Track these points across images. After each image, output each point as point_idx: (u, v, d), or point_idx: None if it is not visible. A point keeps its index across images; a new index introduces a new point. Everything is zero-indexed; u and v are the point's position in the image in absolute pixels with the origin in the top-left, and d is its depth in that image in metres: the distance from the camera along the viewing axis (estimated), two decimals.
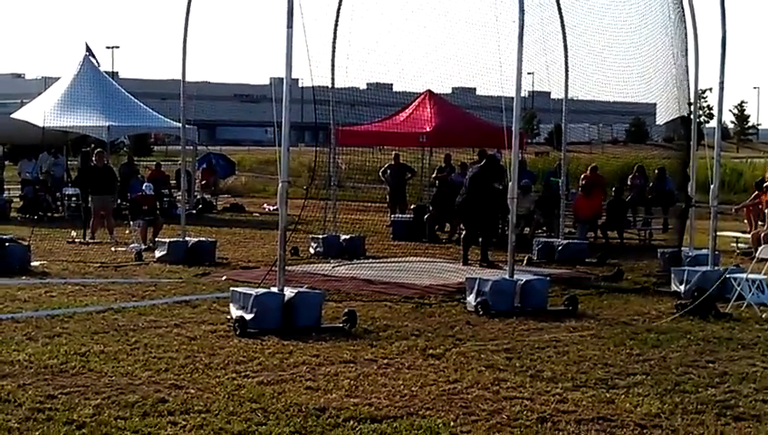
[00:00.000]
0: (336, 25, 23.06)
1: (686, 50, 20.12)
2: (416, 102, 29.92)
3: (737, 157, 74.70)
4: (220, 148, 62.72)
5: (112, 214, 26.19)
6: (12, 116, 35.09)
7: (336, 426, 9.32)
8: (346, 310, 14.29)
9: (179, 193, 27.18)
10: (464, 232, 22.13)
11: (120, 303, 15.76)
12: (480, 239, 21.55)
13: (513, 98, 16.27)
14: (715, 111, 20.45)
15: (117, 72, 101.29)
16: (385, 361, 11.99)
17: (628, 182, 30.98)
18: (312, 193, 22.51)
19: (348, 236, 23.52)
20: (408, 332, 13.81)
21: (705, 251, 19.30)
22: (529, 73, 23.63)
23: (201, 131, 40.44)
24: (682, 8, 20.10)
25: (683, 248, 20.78)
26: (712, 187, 18.37)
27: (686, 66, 20.15)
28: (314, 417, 9.55)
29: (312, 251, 22.94)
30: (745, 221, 27.96)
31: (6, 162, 42.43)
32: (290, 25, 13.87)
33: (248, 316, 13.52)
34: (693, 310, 15.43)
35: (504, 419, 9.64)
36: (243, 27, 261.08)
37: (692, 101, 21.16)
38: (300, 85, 26.68)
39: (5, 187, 38.49)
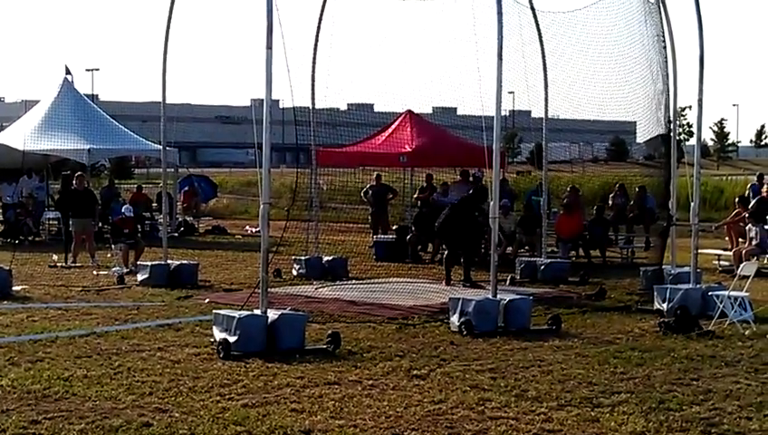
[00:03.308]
0: (316, 46, 23.11)
1: (666, 67, 20.22)
2: (396, 122, 29.96)
3: (717, 174, 74.93)
4: (201, 170, 62.62)
5: (93, 237, 26.10)
6: None
7: None
8: (330, 332, 14.27)
9: (161, 216, 27.12)
10: (446, 252, 22.17)
11: (103, 327, 15.71)
12: (462, 259, 21.58)
13: (493, 117, 16.30)
14: (694, 129, 20.48)
15: (97, 95, 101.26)
16: (369, 382, 11.98)
17: (610, 201, 31.05)
18: (294, 214, 22.47)
19: (330, 258, 23.50)
20: (392, 353, 13.80)
21: (687, 269, 19.35)
22: (509, 92, 23.70)
23: (182, 153, 40.35)
24: (661, 26, 20.21)
25: (665, 266, 20.84)
26: (692, 204, 18.44)
27: (666, 84, 20.26)
28: None
29: (294, 273, 22.91)
30: (726, 239, 28.04)
31: None
32: (269, 46, 13.89)
33: (232, 339, 13.49)
34: (676, 328, 15.48)
35: None
36: (223, 48, 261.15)
37: (671, 118, 21.25)
38: (280, 106, 26.70)
39: None
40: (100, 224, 29.54)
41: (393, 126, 29.91)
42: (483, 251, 23.60)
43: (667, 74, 20.28)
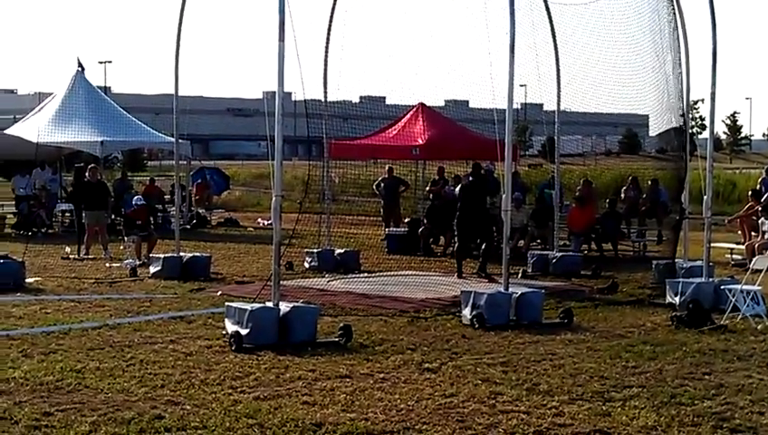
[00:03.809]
0: (328, 39, 23.13)
1: (680, 60, 20.18)
2: (408, 115, 29.97)
3: (730, 167, 74.81)
4: (214, 162, 62.67)
5: (106, 229, 26.15)
6: (5, 132, 35.07)
7: None
8: (341, 324, 14.29)
9: (173, 208, 27.16)
10: (457, 245, 22.16)
11: (116, 319, 15.74)
12: (481, 250, 21.59)
13: (505, 110, 16.29)
14: (707, 122, 20.45)
15: (110, 87, 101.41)
16: (381, 375, 11.99)
17: (622, 194, 31.00)
18: (306, 207, 22.52)
19: (342, 250, 23.52)
20: (404, 346, 13.81)
21: (699, 262, 19.33)
22: (521, 85, 23.65)
23: (195, 146, 40.33)
24: (675, 18, 20.16)
25: (677, 260, 20.81)
26: (705, 198, 18.40)
27: (680, 76, 20.22)
28: (311, 432, 9.56)
29: (306, 265, 22.92)
30: (739, 232, 27.98)
31: None
32: (282, 39, 13.89)
33: (244, 331, 13.51)
34: (688, 322, 15.46)
35: (501, 432, 9.66)
36: (236, 41, 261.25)
37: (684, 111, 21.20)
38: (293, 99, 26.72)
39: None
40: (113, 216, 29.59)
41: (405, 119, 29.93)
42: (496, 244, 23.61)
43: (681, 68, 20.23)
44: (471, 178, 22.07)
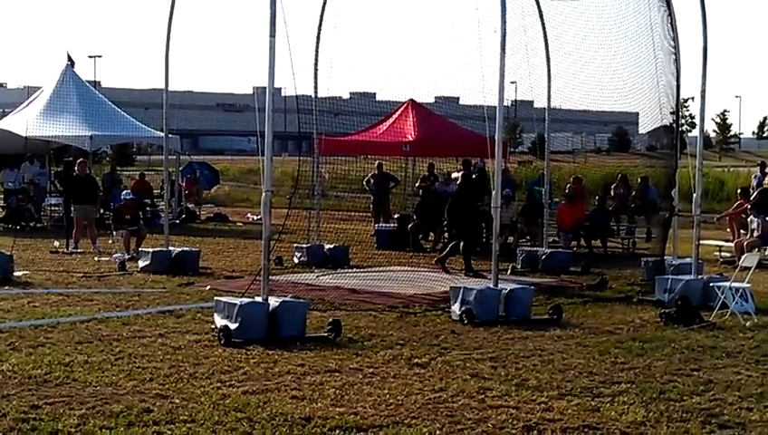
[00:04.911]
0: (319, 35, 23.09)
1: (672, 57, 20.18)
2: (399, 112, 29.95)
3: (719, 166, 74.92)
4: (203, 157, 62.56)
5: (95, 224, 26.10)
6: None
7: None
8: (330, 319, 14.29)
9: (163, 202, 27.11)
10: (457, 241, 22.03)
11: (104, 313, 15.72)
12: (461, 249, 21.57)
13: (495, 107, 16.30)
14: (697, 120, 20.48)
15: (99, 82, 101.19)
16: (370, 370, 11.99)
17: (611, 191, 31.04)
18: (296, 202, 22.47)
19: (332, 246, 23.49)
20: (393, 341, 13.81)
21: (688, 260, 19.35)
22: (512, 83, 23.65)
23: (184, 141, 40.26)
24: (667, 16, 20.16)
25: (666, 257, 20.82)
26: (695, 196, 18.41)
27: (671, 74, 20.23)
28: (300, 426, 9.56)
29: (296, 260, 22.90)
30: (728, 230, 28.04)
31: None
32: (272, 34, 13.88)
33: (233, 326, 13.50)
34: (677, 318, 15.49)
35: (490, 427, 9.66)
36: (226, 36, 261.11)
37: (675, 109, 21.21)
38: (283, 94, 26.64)
39: None
40: (101, 210, 29.53)
41: (395, 115, 29.90)
42: (484, 241, 23.61)
43: (672, 65, 20.24)
44: (476, 175, 21.92)
